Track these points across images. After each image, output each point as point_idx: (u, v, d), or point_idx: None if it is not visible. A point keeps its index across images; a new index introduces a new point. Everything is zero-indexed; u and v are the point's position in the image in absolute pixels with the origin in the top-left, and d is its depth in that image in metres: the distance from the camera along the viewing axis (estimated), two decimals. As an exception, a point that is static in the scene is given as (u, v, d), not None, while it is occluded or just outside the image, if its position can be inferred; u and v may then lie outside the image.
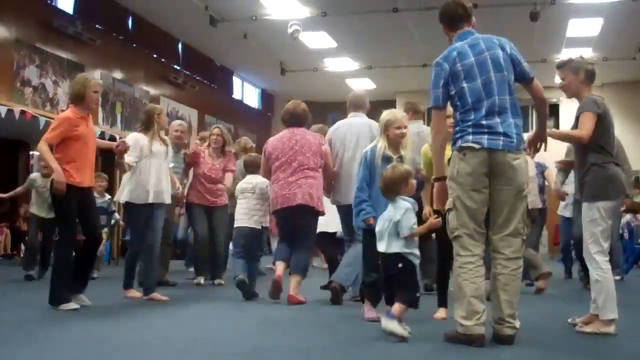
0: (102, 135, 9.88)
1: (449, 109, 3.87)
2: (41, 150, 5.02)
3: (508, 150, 3.61)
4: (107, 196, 8.24)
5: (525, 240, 3.75)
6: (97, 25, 12.07)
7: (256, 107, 19.42)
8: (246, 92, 18.72)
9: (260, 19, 12.57)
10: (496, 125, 3.62)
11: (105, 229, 8.10)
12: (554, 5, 11.61)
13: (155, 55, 14.10)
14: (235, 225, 6.16)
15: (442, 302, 4.73)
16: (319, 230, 5.86)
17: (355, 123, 5.71)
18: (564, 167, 6.20)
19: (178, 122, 7.69)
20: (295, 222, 5.62)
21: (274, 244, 9.62)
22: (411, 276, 3.81)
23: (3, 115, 9.22)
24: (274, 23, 12.76)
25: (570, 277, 8.64)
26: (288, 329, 4.29)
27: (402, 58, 14.98)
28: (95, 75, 11.23)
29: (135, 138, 5.71)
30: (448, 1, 3.92)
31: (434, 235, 4.90)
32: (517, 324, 3.61)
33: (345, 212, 5.37)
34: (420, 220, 4.01)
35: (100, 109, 11.91)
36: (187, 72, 15.14)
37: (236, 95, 18.07)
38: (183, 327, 4.39)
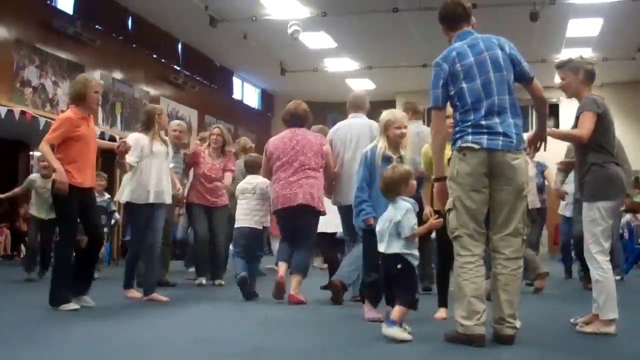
0: (102, 136, 9.87)
1: (449, 109, 3.87)
2: (43, 151, 5.02)
3: (507, 150, 3.61)
4: (107, 195, 8.23)
5: (525, 240, 3.75)
6: (97, 26, 12.08)
7: (256, 108, 19.42)
8: (246, 93, 18.72)
9: (260, 19, 12.57)
10: (495, 126, 3.62)
11: (105, 229, 8.09)
12: (554, 5, 11.61)
13: (155, 56, 14.10)
14: (236, 225, 6.16)
15: (443, 302, 4.73)
16: (318, 230, 5.86)
17: (356, 124, 5.73)
18: (565, 168, 6.19)
19: (176, 122, 7.68)
20: (296, 221, 5.62)
21: (274, 244, 9.63)
22: (410, 277, 3.79)
23: (3, 116, 9.22)
24: (274, 23, 12.76)
25: (570, 276, 8.64)
26: (288, 329, 4.30)
27: (402, 58, 14.98)
28: (95, 76, 11.23)
29: (135, 138, 5.71)
30: (447, 1, 3.92)
31: (433, 235, 4.90)
32: (518, 324, 3.61)
33: (346, 213, 5.38)
34: (420, 221, 4.01)
35: (100, 109, 11.91)
36: (187, 73, 15.14)
37: (236, 95, 18.07)
38: (183, 327, 4.39)
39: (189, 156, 7.43)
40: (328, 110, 16.52)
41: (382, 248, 3.87)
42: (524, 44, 8.67)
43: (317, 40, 14.02)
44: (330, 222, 6.07)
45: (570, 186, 7.10)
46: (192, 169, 7.35)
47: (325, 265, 7.49)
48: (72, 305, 4.92)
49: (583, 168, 4.14)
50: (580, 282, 7.24)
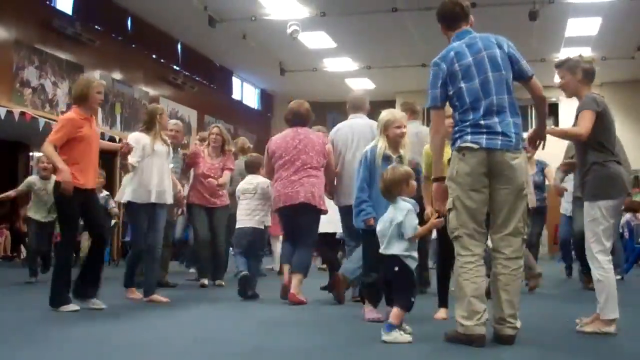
0: (101, 136, 9.84)
1: (449, 109, 3.87)
2: (47, 152, 4.99)
3: (507, 149, 3.61)
4: (105, 192, 8.20)
5: (525, 239, 3.75)
6: (96, 26, 12.07)
7: (256, 108, 19.42)
8: (246, 93, 18.72)
9: (259, 19, 12.57)
10: (494, 125, 3.61)
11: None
12: (553, 5, 11.61)
13: (154, 56, 14.10)
14: (238, 225, 6.16)
15: (443, 302, 4.73)
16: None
17: (357, 124, 5.74)
18: (567, 169, 6.15)
19: (173, 121, 7.64)
20: (297, 220, 5.63)
21: (274, 245, 9.62)
22: (407, 280, 3.77)
23: (2, 117, 9.22)
24: (273, 23, 12.76)
25: (570, 275, 8.64)
26: (288, 329, 4.30)
27: (401, 58, 14.98)
28: (95, 76, 11.22)
29: (136, 138, 5.71)
30: (445, 0, 3.91)
31: (433, 235, 4.90)
32: (518, 324, 3.61)
33: (346, 213, 5.38)
34: (421, 221, 4.00)
35: (99, 109, 11.88)
36: (186, 73, 15.14)
37: (235, 95, 18.07)
38: (183, 328, 4.39)
39: (189, 156, 7.43)
40: (327, 110, 16.51)
41: (382, 249, 3.86)
42: (523, 43, 8.67)
43: (317, 40, 14.01)
44: (330, 222, 6.07)
45: (569, 184, 7.10)
46: (192, 170, 7.35)
47: (325, 266, 7.48)
48: (72, 307, 4.92)
49: (584, 167, 4.13)
50: (581, 282, 7.24)
